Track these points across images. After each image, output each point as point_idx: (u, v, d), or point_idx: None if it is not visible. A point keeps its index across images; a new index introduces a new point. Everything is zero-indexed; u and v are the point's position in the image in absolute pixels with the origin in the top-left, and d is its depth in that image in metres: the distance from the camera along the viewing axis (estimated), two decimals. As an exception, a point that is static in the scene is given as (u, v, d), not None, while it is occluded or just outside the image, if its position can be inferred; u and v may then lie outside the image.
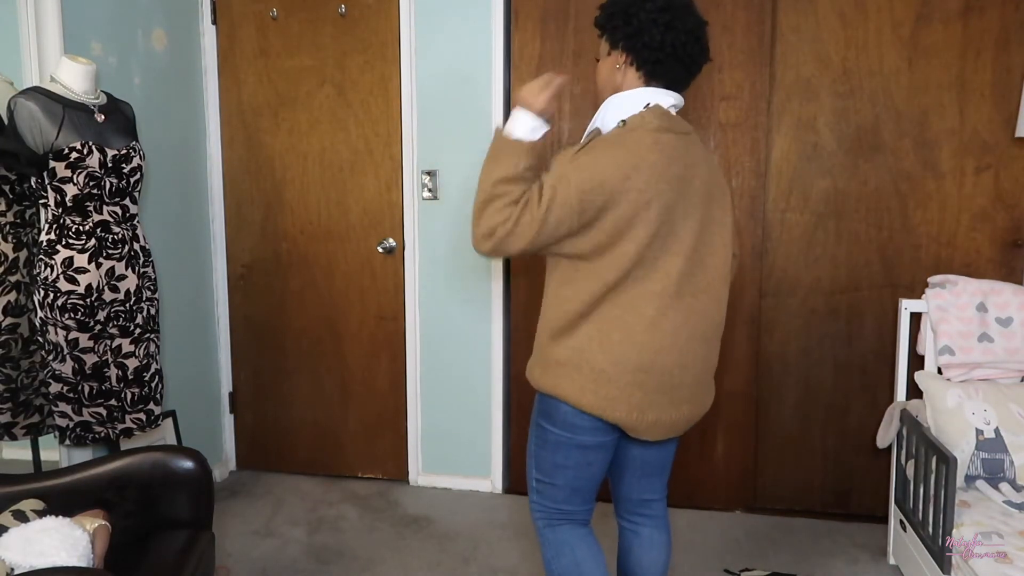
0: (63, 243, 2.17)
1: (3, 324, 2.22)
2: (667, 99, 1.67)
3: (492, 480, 3.27)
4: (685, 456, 3.02)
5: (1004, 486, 2.27)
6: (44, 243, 2.17)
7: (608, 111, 1.69)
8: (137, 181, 2.35)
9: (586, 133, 1.72)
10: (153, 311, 2.43)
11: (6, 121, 2.10)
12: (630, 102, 1.67)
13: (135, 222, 2.37)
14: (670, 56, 1.64)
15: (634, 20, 1.63)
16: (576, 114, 2.99)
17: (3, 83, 2.25)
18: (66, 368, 2.21)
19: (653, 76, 1.67)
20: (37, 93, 2.13)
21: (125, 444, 2.56)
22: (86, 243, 2.20)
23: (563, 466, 1.75)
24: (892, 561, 2.64)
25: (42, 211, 2.26)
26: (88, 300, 2.20)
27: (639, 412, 1.64)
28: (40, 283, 2.17)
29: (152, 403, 2.40)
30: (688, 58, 1.66)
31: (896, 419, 2.55)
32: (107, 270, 2.25)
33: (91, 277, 2.20)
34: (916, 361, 2.66)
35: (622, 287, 1.60)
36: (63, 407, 2.25)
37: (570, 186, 1.55)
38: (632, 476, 1.88)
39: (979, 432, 2.33)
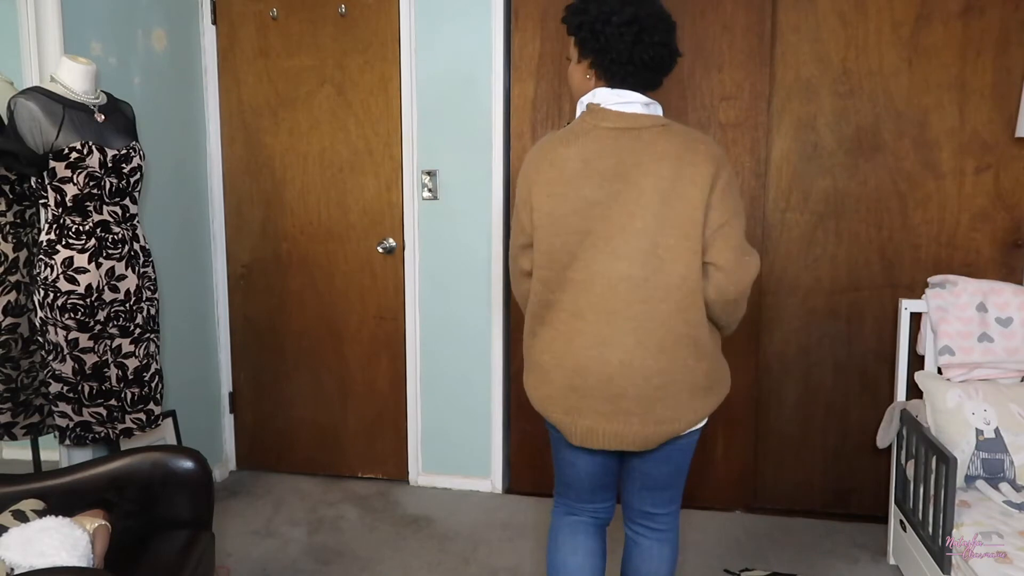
0: (63, 243, 2.17)
1: (3, 324, 2.22)
2: (612, 97, 1.64)
3: (492, 480, 3.27)
4: (685, 456, 3.02)
5: (1004, 486, 2.27)
6: (44, 243, 2.17)
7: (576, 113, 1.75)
8: (137, 181, 2.35)
9: None
10: (153, 311, 2.43)
11: (6, 121, 2.10)
12: (582, 104, 1.70)
13: (135, 222, 2.37)
14: (639, 67, 1.63)
15: (600, 37, 1.61)
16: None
17: (3, 83, 2.25)
18: (66, 368, 2.21)
19: (623, 85, 1.66)
20: (37, 93, 2.13)
21: (125, 444, 2.56)
22: (86, 243, 2.20)
23: (555, 458, 1.86)
24: (892, 561, 2.64)
25: (42, 211, 2.26)
26: (88, 300, 2.20)
27: (573, 416, 1.66)
28: (40, 283, 2.17)
29: (152, 403, 2.40)
30: (658, 66, 1.65)
31: (896, 419, 2.55)
32: (107, 270, 2.25)
33: (91, 277, 2.20)
34: (916, 361, 2.66)
35: (565, 289, 1.63)
36: (63, 407, 2.25)
37: (514, 203, 1.74)
38: (632, 486, 1.85)
39: (979, 432, 2.33)
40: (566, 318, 1.64)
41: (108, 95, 2.36)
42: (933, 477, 2.21)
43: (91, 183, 2.19)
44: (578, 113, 1.71)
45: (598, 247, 1.59)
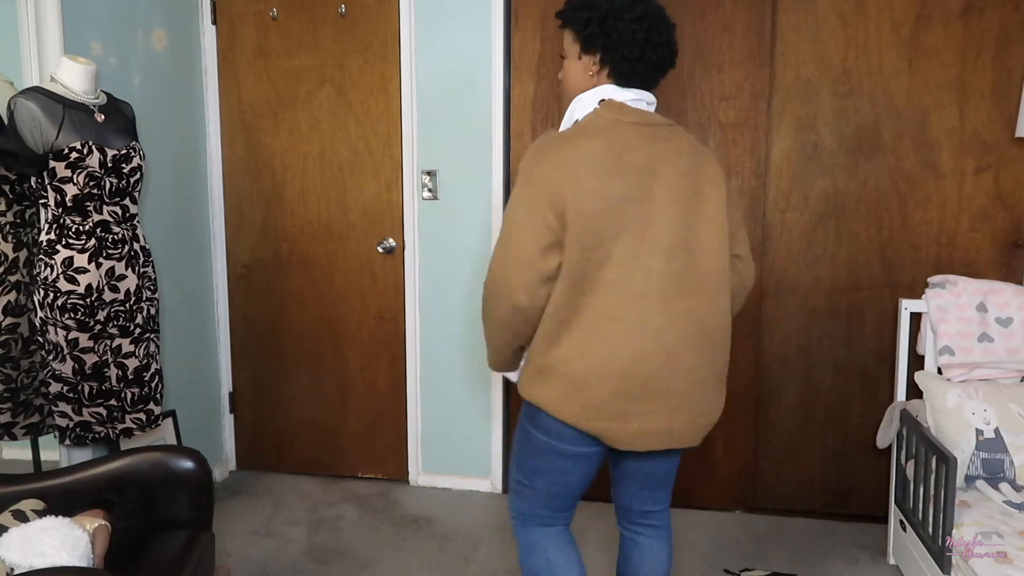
0: (63, 243, 2.17)
1: (3, 324, 2.22)
2: (624, 94, 1.65)
3: (492, 480, 3.27)
4: (686, 456, 3.01)
5: (1004, 486, 2.27)
6: (44, 243, 2.17)
7: (575, 111, 1.68)
8: (137, 181, 2.35)
9: None
10: (153, 311, 2.43)
11: (6, 121, 2.10)
12: (589, 101, 1.66)
13: (135, 222, 2.37)
14: (648, 66, 1.64)
15: (612, 32, 1.60)
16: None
17: (3, 83, 2.25)
18: (66, 368, 2.21)
19: (631, 83, 1.66)
20: (37, 93, 2.13)
21: (125, 444, 2.57)
22: (86, 243, 2.20)
23: (542, 471, 1.73)
24: (892, 561, 2.64)
25: (42, 211, 2.26)
26: (88, 300, 2.20)
27: (622, 421, 1.59)
28: (40, 283, 2.17)
29: (152, 403, 2.40)
30: (662, 65, 1.66)
31: (896, 419, 2.55)
32: (107, 270, 2.25)
33: (91, 277, 2.20)
34: (916, 361, 2.66)
35: (598, 289, 1.56)
36: (63, 407, 2.25)
37: (518, 211, 1.58)
38: (633, 488, 1.84)
39: (979, 432, 2.33)
40: (598, 320, 1.56)
41: (108, 95, 2.36)
42: (933, 477, 2.21)
43: (91, 183, 2.19)
44: (575, 110, 1.68)
45: (632, 244, 1.56)
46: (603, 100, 1.64)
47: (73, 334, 2.19)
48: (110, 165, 2.23)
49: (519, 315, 1.61)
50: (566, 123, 1.71)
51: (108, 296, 2.26)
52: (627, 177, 1.56)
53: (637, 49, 1.61)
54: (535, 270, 1.56)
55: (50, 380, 2.23)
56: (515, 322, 1.63)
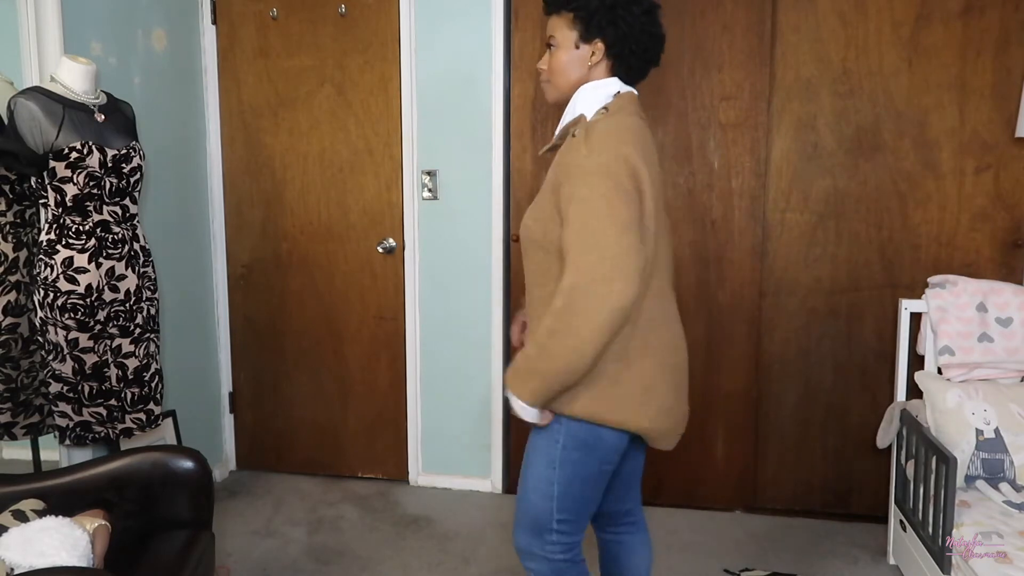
0: (63, 243, 2.17)
1: (3, 324, 2.22)
2: (631, 89, 1.67)
3: (492, 480, 3.27)
4: (685, 456, 3.02)
5: (1004, 486, 2.27)
6: (44, 243, 2.17)
7: (583, 100, 1.62)
8: (137, 181, 2.35)
9: (562, 125, 1.66)
10: (153, 311, 2.43)
11: (6, 121, 2.10)
12: (603, 91, 1.61)
13: (135, 222, 2.37)
14: (648, 62, 1.65)
15: (621, 23, 1.58)
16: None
17: (3, 83, 2.25)
18: (66, 368, 2.21)
19: (631, 76, 1.66)
20: (37, 93, 2.13)
21: (125, 444, 2.56)
22: (86, 243, 2.20)
23: (592, 499, 1.63)
24: (892, 561, 2.64)
25: (42, 211, 2.26)
26: (88, 300, 2.20)
27: (669, 415, 1.61)
28: (40, 283, 2.17)
29: (152, 403, 2.40)
30: (656, 61, 1.67)
31: (896, 419, 2.55)
32: (107, 270, 2.25)
33: (91, 277, 2.20)
34: (916, 361, 2.66)
35: (649, 287, 1.56)
36: (63, 407, 2.25)
37: (608, 189, 1.46)
38: (621, 489, 1.85)
39: (979, 432, 2.33)
40: (650, 312, 1.56)
41: (108, 95, 2.37)
42: (933, 477, 2.21)
43: (91, 183, 2.19)
44: (585, 100, 1.61)
45: (655, 237, 1.57)
46: (618, 93, 1.62)
47: (73, 334, 2.19)
48: (110, 165, 2.23)
49: (622, 314, 1.42)
50: (580, 111, 1.61)
51: (108, 296, 2.26)
52: (653, 169, 1.59)
53: (643, 43, 1.60)
54: (643, 257, 1.46)
55: (50, 380, 2.23)
56: (615, 325, 1.42)
